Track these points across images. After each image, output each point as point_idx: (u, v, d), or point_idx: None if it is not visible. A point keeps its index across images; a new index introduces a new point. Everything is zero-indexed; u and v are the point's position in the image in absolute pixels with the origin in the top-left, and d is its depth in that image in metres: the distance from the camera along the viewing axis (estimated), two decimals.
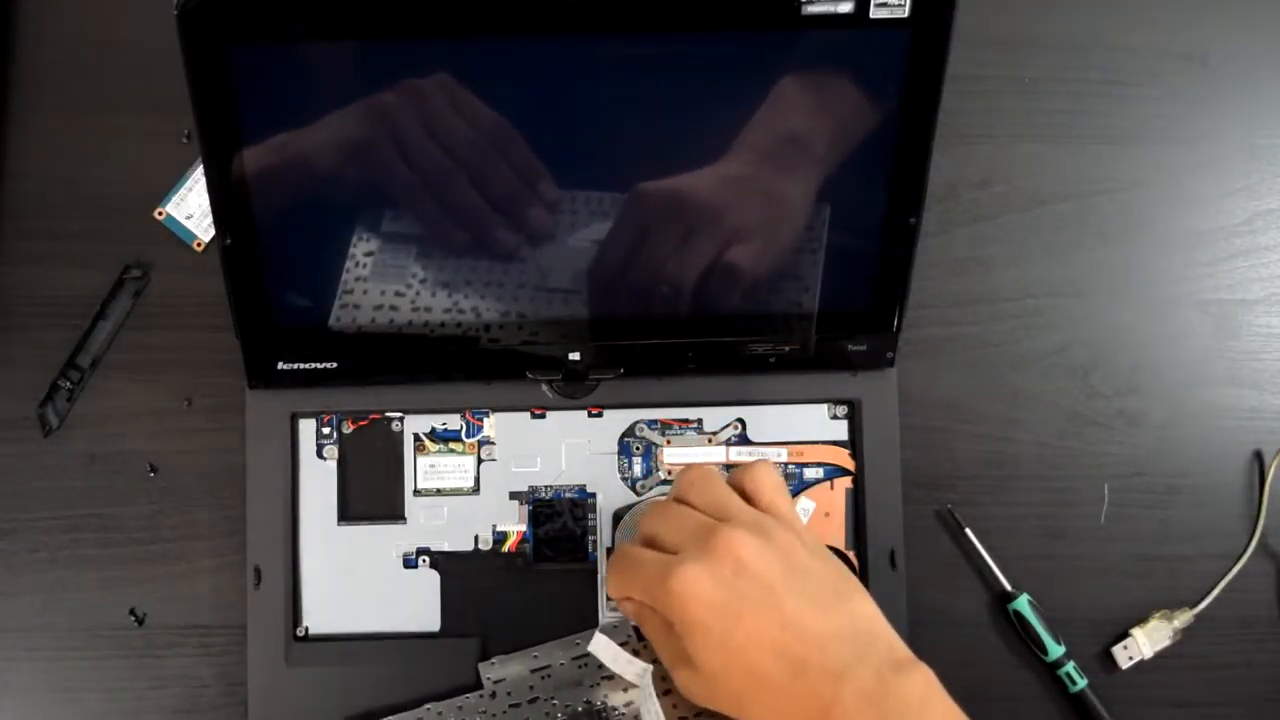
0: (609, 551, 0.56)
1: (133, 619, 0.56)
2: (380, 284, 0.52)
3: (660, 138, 0.50)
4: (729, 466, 0.57)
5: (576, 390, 0.56)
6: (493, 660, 0.53)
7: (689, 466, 0.51)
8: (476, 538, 0.56)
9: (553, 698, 0.51)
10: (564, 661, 0.53)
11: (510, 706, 0.51)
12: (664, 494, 0.57)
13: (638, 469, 0.57)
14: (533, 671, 0.53)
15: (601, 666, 0.51)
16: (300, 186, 0.50)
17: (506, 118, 0.48)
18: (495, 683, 0.52)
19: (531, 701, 0.52)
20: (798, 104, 0.49)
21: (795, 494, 0.57)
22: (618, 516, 0.56)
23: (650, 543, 0.48)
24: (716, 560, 0.45)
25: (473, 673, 0.54)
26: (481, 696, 0.52)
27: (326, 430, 0.56)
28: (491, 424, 0.57)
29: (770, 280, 0.53)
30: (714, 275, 0.52)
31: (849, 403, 0.57)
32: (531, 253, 0.52)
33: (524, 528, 0.56)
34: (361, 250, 0.51)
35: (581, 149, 0.50)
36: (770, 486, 0.49)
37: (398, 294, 0.52)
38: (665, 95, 0.48)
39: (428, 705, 0.52)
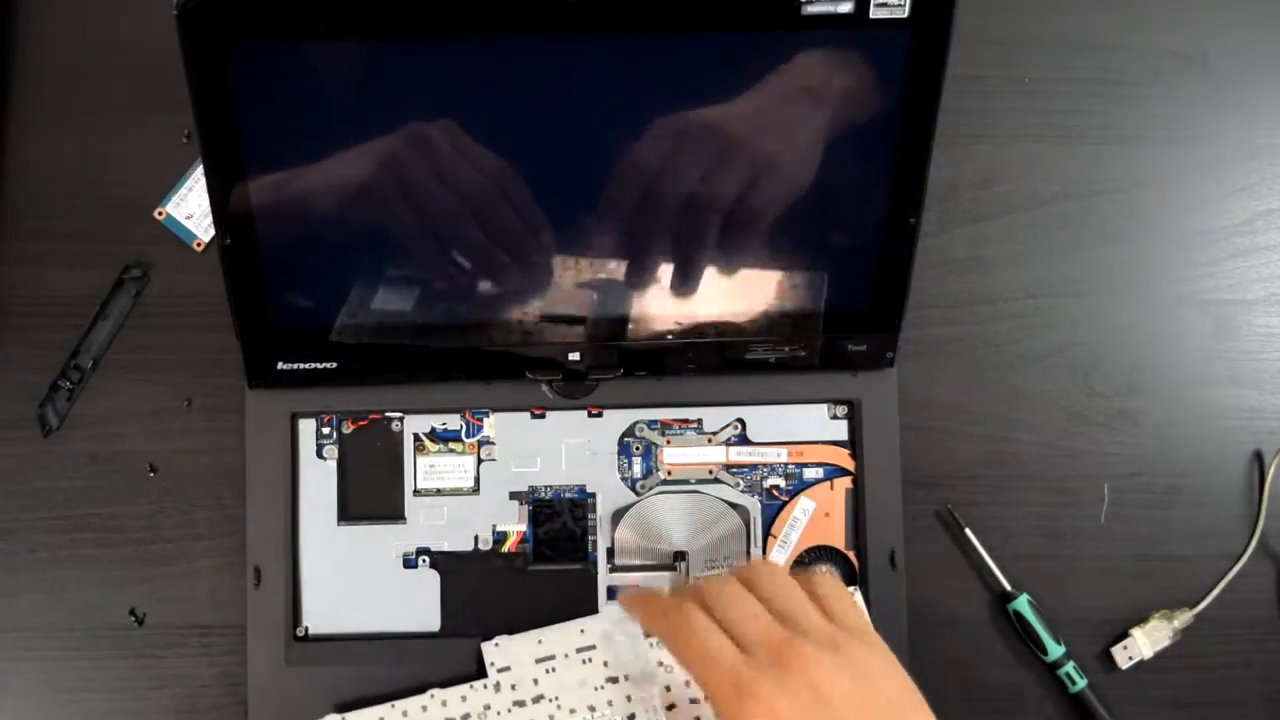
0: (609, 552, 0.56)
1: (133, 619, 0.56)
2: (381, 283, 0.52)
3: (657, 135, 0.49)
4: (729, 467, 0.57)
5: (576, 390, 0.56)
6: (495, 641, 0.53)
7: (759, 562, 0.50)
8: (476, 538, 0.56)
9: (557, 698, 0.51)
10: (569, 653, 0.53)
11: (514, 704, 0.51)
12: (664, 492, 0.57)
13: (638, 469, 0.57)
14: (537, 661, 0.52)
15: (607, 664, 0.51)
16: (300, 187, 0.50)
17: (504, 115, 0.48)
18: (500, 671, 0.52)
19: (536, 700, 0.51)
20: (797, 103, 0.49)
21: (795, 494, 0.57)
22: (617, 517, 0.56)
23: (710, 614, 0.46)
24: (792, 679, 0.43)
25: (473, 673, 0.54)
26: (486, 687, 0.52)
27: (326, 430, 0.56)
28: (491, 424, 0.57)
29: (771, 278, 0.53)
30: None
31: (849, 403, 0.57)
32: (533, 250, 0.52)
33: (524, 528, 0.56)
34: (362, 249, 0.51)
35: (579, 149, 0.50)
36: (842, 596, 0.47)
37: (397, 295, 0.52)
38: (664, 95, 0.48)
39: (431, 691, 0.52)
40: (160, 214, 0.57)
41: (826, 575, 0.48)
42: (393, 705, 0.51)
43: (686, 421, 0.57)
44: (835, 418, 0.57)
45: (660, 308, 0.53)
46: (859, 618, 0.47)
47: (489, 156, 0.49)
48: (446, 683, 0.53)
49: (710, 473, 0.57)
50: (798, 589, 0.46)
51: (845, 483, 0.57)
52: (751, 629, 0.44)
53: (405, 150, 0.49)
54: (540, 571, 0.56)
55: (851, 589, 0.55)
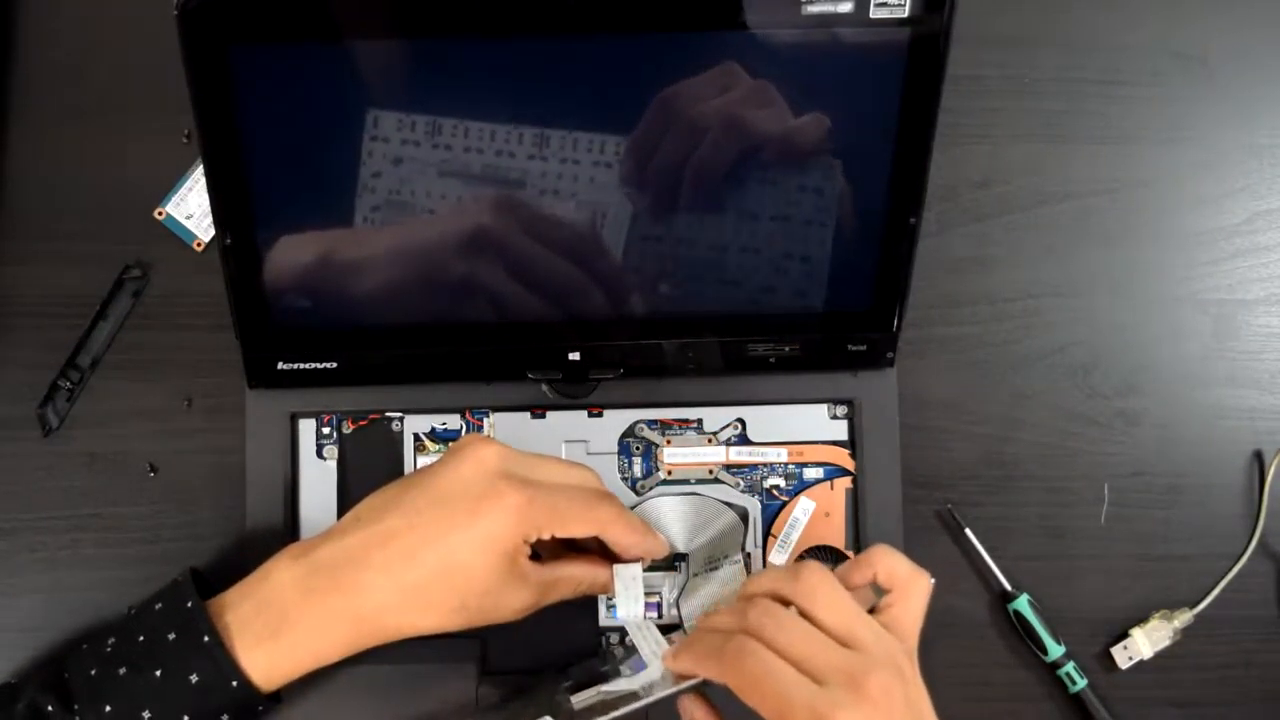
0: None
1: None
2: (381, 282, 0.52)
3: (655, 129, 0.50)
4: (729, 467, 0.57)
5: (576, 390, 0.56)
6: None
7: (803, 566, 0.47)
8: None
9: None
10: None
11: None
12: (665, 494, 0.57)
13: (638, 469, 0.57)
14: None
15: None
16: (300, 186, 0.50)
17: (507, 116, 0.48)
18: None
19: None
20: (795, 104, 0.49)
21: (795, 494, 0.57)
22: None
23: (766, 644, 0.45)
24: (869, 705, 0.43)
25: (474, 671, 0.54)
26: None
27: (326, 430, 0.56)
28: (491, 424, 0.57)
29: (772, 276, 0.53)
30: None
31: (849, 403, 0.57)
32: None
33: None
34: (357, 237, 0.51)
35: (591, 134, 0.50)
36: (919, 612, 0.48)
37: (398, 293, 0.52)
38: (664, 93, 0.48)
39: None
40: (160, 214, 0.57)
41: (919, 580, 0.48)
42: None
43: (686, 421, 0.57)
44: (835, 418, 0.57)
45: (661, 307, 0.53)
46: (916, 638, 0.47)
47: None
48: (446, 681, 0.53)
49: (710, 473, 0.57)
50: (853, 604, 0.46)
51: (845, 483, 0.57)
52: (817, 659, 0.44)
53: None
54: None
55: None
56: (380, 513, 0.48)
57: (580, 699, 0.48)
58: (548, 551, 0.51)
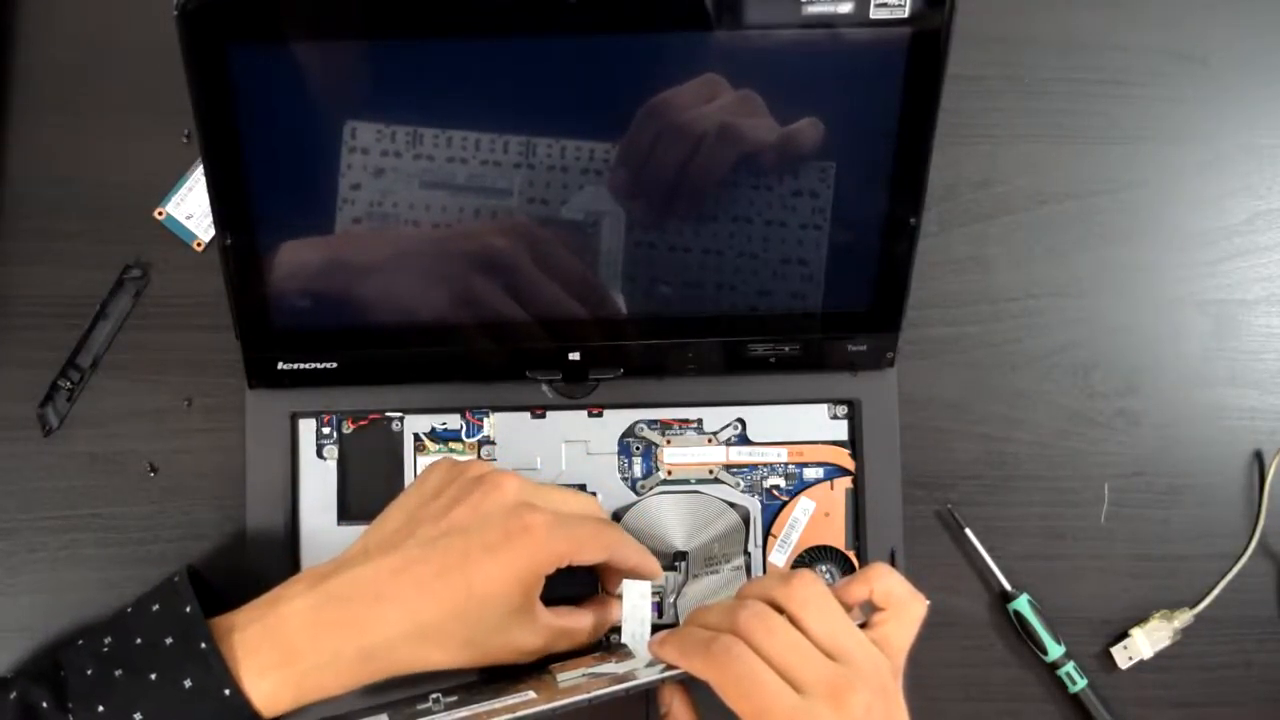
0: None
1: None
2: (379, 280, 0.52)
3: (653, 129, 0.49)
4: (729, 467, 0.57)
5: (576, 390, 0.56)
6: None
7: (797, 575, 0.47)
8: None
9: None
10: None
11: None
12: (665, 493, 0.57)
13: (638, 469, 0.57)
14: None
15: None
16: (300, 187, 0.50)
17: (504, 116, 0.48)
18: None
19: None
20: (795, 104, 0.49)
21: (795, 494, 0.57)
22: (617, 517, 0.56)
23: (754, 648, 0.45)
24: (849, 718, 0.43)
25: (474, 675, 0.54)
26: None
27: (326, 430, 0.56)
28: (491, 424, 0.57)
29: (771, 279, 0.53)
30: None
31: (849, 403, 0.57)
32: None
33: None
34: (361, 244, 0.51)
35: (579, 147, 0.50)
36: (911, 633, 0.48)
37: (398, 295, 0.52)
38: (663, 94, 0.48)
39: (435, 695, 0.51)
40: (160, 214, 0.57)
41: (916, 605, 0.48)
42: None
43: (686, 421, 0.57)
44: (835, 418, 0.57)
45: (660, 309, 0.53)
46: (900, 635, 0.47)
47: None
48: (446, 683, 0.53)
49: (710, 473, 0.57)
50: (843, 616, 0.46)
51: (845, 483, 0.57)
52: (802, 669, 0.44)
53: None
54: None
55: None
56: (393, 543, 0.48)
57: (565, 677, 0.48)
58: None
